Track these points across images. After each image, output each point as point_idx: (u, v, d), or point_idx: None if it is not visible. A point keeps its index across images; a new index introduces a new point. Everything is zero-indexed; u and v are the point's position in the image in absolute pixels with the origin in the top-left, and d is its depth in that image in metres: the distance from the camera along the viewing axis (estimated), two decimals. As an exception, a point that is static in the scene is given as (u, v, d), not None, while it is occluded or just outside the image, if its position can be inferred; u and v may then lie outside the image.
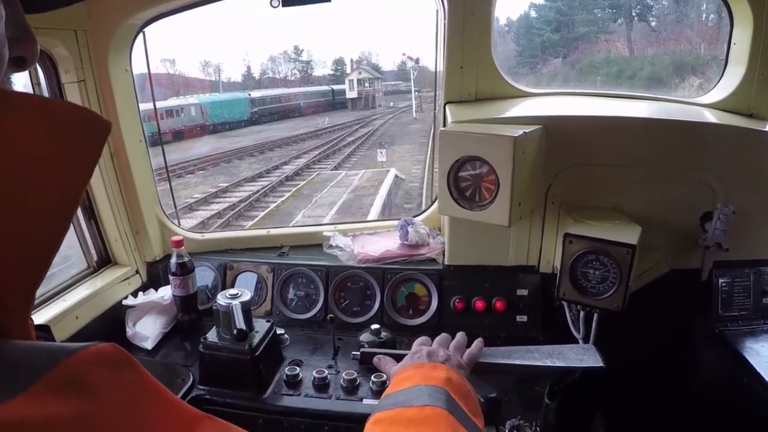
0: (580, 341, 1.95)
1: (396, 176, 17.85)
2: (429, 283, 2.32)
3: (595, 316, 1.87)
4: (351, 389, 1.89)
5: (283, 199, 15.90)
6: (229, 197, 16.17)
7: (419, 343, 1.50)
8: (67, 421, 0.48)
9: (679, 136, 2.07)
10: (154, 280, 2.49)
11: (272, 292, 2.42)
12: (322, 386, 1.91)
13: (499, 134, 1.77)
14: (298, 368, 1.96)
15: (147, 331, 2.20)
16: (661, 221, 2.05)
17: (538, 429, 1.69)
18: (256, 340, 1.90)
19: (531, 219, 2.17)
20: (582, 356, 1.57)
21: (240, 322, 1.82)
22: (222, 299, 1.88)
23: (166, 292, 2.33)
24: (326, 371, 1.94)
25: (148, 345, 2.17)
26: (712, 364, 2.21)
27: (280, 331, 2.16)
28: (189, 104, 29.11)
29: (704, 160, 2.08)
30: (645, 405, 2.32)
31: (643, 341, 2.12)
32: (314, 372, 1.92)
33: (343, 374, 1.92)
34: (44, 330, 1.04)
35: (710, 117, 2.25)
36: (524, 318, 2.24)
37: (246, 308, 1.89)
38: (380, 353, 1.61)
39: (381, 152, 20.96)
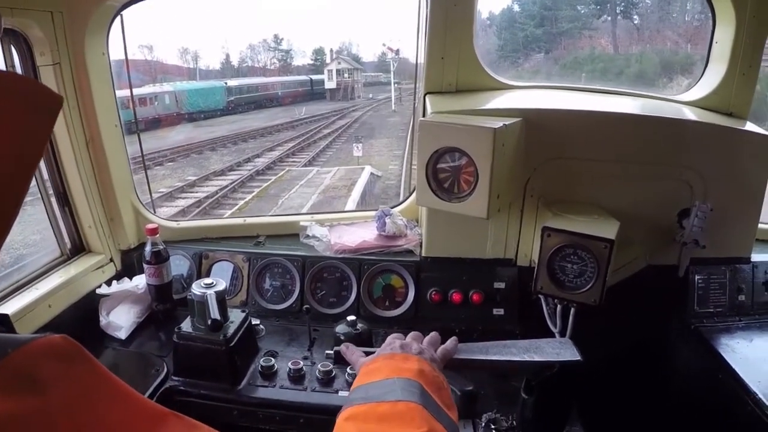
0: (556, 335, 1.95)
1: (372, 174, 17.28)
2: (406, 274, 2.31)
3: (572, 310, 1.87)
4: (326, 381, 1.89)
5: (246, 200, 15.38)
6: (196, 192, 15.78)
7: (393, 338, 1.48)
8: (13, 417, 0.46)
9: (659, 133, 2.08)
10: (128, 269, 2.45)
11: (248, 282, 2.40)
12: (297, 378, 1.90)
13: (479, 126, 1.76)
14: (273, 359, 1.95)
15: (121, 320, 2.17)
16: (639, 217, 2.05)
17: (514, 422, 1.69)
18: (230, 331, 1.89)
19: (509, 212, 2.17)
20: (559, 350, 1.56)
21: (214, 312, 1.79)
22: (197, 289, 1.86)
23: (140, 281, 2.29)
24: (302, 362, 1.93)
25: (122, 335, 2.14)
26: (688, 360, 2.23)
27: (255, 321, 2.15)
28: (163, 92, 28.44)
29: (683, 158, 2.10)
30: (622, 399, 2.33)
31: (620, 336, 2.13)
32: (289, 363, 1.91)
33: (319, 366, 1.91)
34: (1, 321, 1.00)
35: (690, 115, 2.26)
36: (501, 311, 2.24)
37: (221, 298, 1.87)
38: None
39: (357, 146, 20.49)
